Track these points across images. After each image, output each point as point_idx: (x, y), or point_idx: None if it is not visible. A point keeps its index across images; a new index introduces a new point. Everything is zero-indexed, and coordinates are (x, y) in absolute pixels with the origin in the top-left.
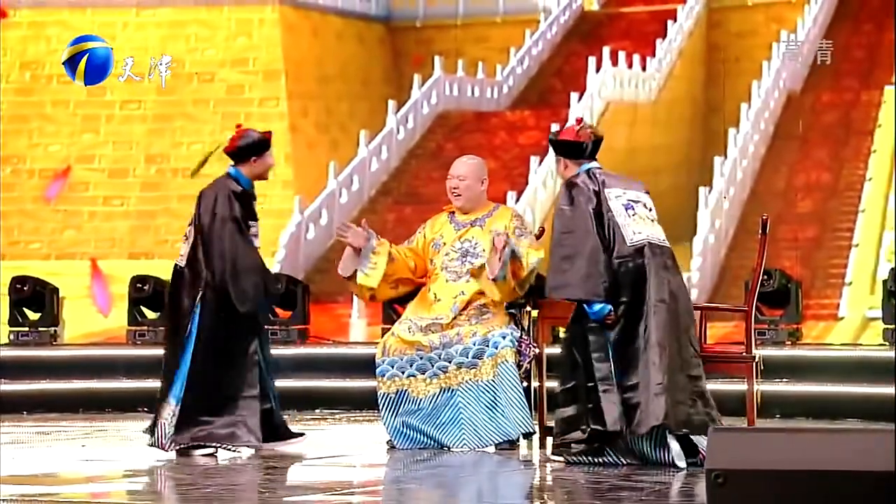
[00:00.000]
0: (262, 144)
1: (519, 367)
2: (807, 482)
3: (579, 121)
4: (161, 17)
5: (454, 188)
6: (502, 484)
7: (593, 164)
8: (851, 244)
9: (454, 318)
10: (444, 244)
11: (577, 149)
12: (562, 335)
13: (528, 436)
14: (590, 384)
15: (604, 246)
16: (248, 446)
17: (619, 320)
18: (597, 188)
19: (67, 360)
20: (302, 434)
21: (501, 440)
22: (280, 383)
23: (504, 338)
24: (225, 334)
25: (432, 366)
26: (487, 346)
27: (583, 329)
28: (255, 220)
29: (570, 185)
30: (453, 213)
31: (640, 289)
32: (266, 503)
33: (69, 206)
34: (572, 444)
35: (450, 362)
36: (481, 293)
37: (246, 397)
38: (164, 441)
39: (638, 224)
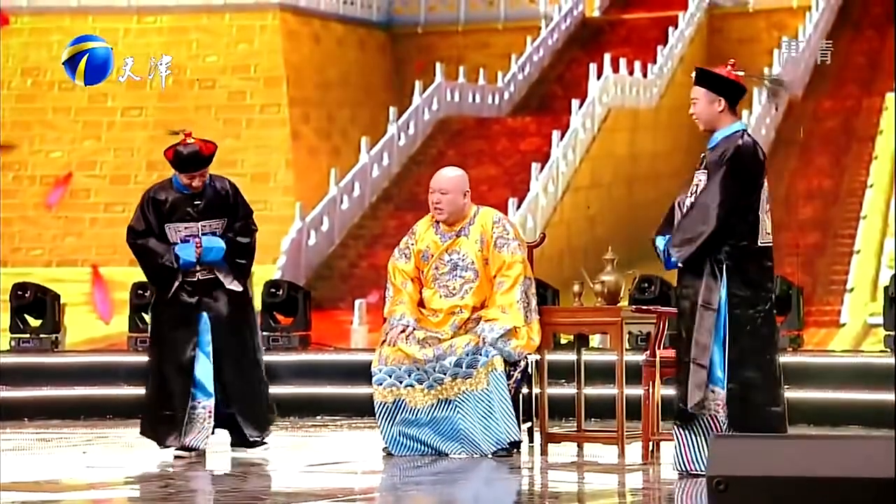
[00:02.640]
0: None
1: (509, 377)
2: (808, 489)
3: (734, 64)
4: (162, 24)
5: (436, 203)
6: (501, 491)
7: (742, 122)
8: (853, 251)
9: (453, 334)
10: (432, 256)
11: (739, 93)
12: (563, 341)
13: (515, 444)
14: (685, 359)
15: (730, 226)
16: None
17: (737, 308)
18: (764, 160)
19: (69, 367)
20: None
21: (496, 448)
22: (281, 389)
23: (493, 346)
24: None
25: (428, 377)
26: (479, 354)
27: (692, 305)
28: (189, 220)
29: (747, 149)
30: (437, 221)
31: (761, 286)
32: None
33: (70, 212)
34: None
35: (444, 374)
36: (476, 308)
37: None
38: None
39: (769, 221)
